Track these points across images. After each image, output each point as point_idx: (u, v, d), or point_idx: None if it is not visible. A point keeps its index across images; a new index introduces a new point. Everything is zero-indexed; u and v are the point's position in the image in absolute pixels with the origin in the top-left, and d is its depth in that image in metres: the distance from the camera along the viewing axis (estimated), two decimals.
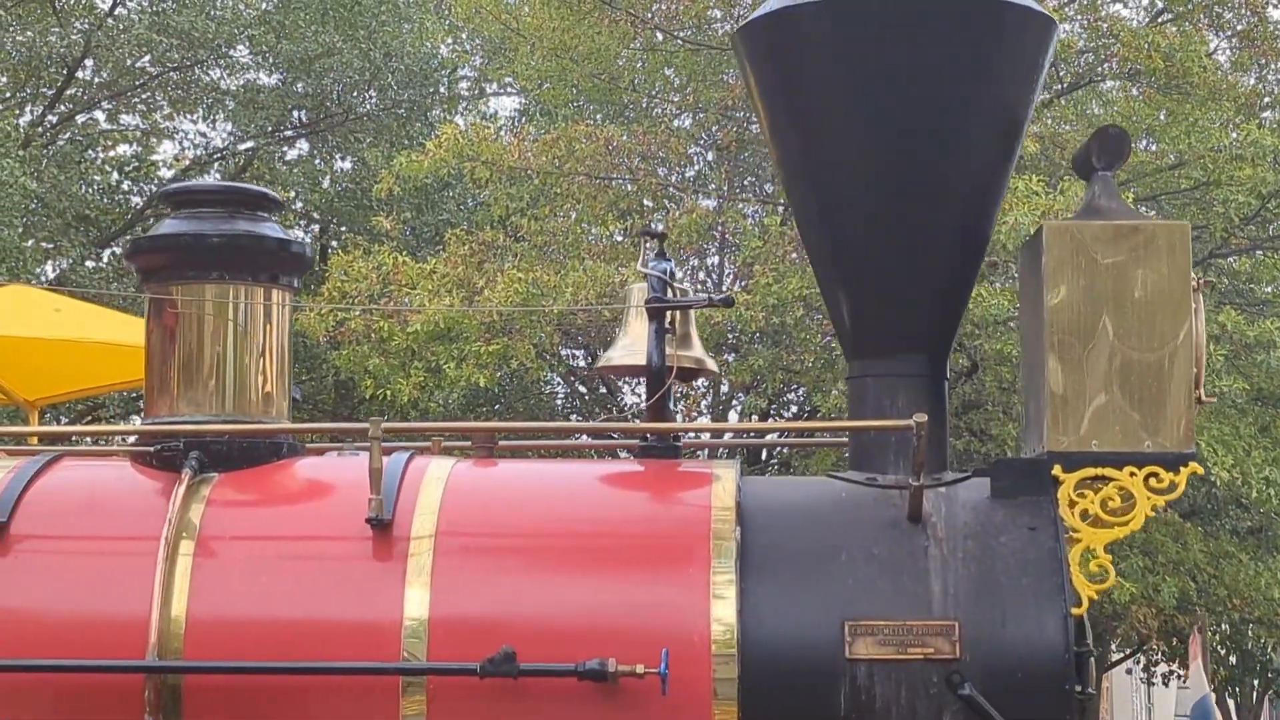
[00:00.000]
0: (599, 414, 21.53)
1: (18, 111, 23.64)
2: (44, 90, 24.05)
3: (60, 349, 11.16)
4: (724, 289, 19.46)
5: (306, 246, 6.76)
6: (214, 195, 6.67)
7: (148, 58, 23.67)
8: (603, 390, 22.12)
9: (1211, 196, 18.97)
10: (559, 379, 22.01)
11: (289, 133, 25.19)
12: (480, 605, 5.90)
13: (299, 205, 24.22)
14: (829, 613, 5.90)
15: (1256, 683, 33.60)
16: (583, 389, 22.51)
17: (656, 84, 22.14)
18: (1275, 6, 20.65)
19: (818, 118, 6.24)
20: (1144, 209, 18.66)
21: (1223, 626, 22.95)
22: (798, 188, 6.46)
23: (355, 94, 24.15)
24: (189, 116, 25.24)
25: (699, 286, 18.87)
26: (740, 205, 20.19)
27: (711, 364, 6.86)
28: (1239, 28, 20.60)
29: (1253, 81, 21.20)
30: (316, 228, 24.75)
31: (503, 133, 21.32)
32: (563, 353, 20.57)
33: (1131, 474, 5.96)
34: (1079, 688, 5.91)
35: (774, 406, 20.78)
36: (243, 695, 5.87)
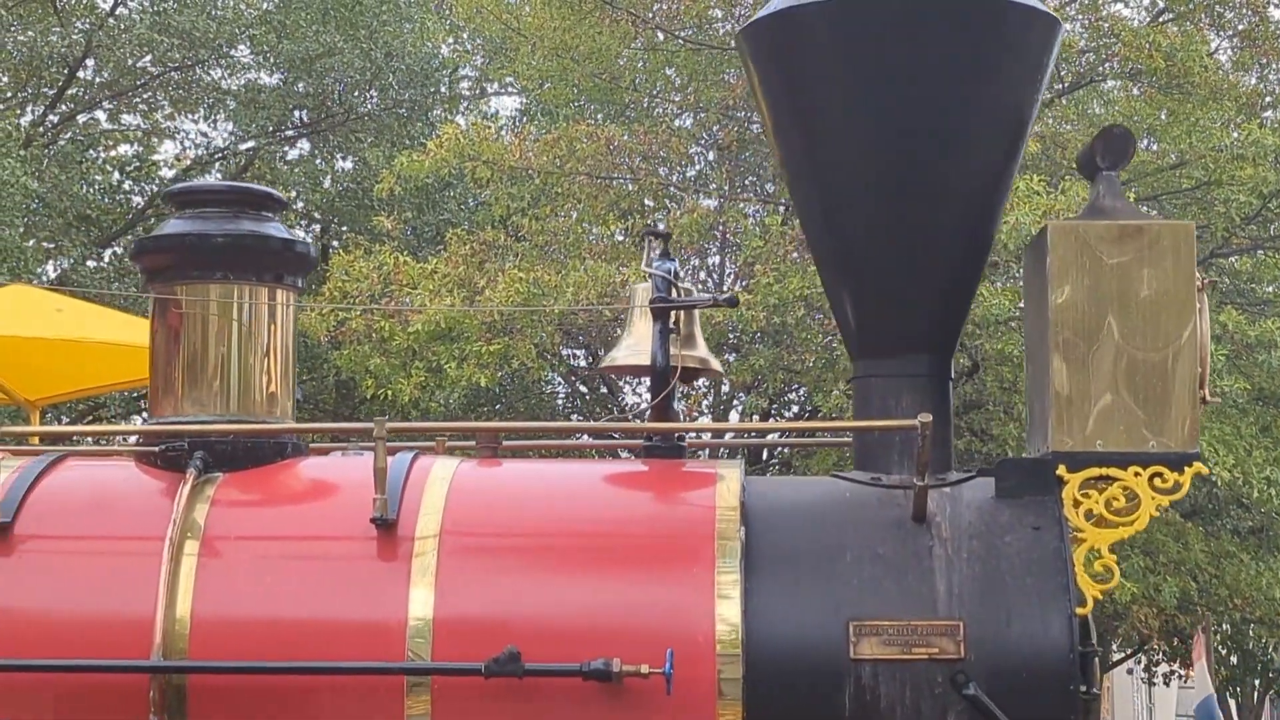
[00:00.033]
0: (600, 414, 21.53)
1: (19, 111, 23.65)
2: (45, 90, 24.05)
3: (61, 349, 11.17)
4: (725, 289, 19.47)
5: (311, 246, 6.76)
6: (218, 195, 6.67)
7: (149, 57, 23.67)
8: (603, 390, 22.12)
9: (1212, 196, 18.99)
10: (560, 379, 22.02)
11: (290, 132, 25.20)
12: (485, 605, 5.89)
13: (300, 205, 24.21)
14: (834, 613, 5.90)
15: (1257, 683, 33.62)
16: (584, 389, 22.51)
17: (657, 84, 22.15)
18: (1276, 6, 20.67)
19: (822, 118, 6.24)
20: (1145, 209, 18.65)
21: (1224, 626, 22.96)
22: (802, 188, 6.46)
23: (356, 94, 24.16)
24: (190, 116, 25.28)
25: (700, 286, 18.85)
26: (741, 205, 20.19)
27: (716, 364, 6.86)
28: (1240, 27, 20.62)
29: (1254, 81, 21.21)
30: (318, 228, 24.76)
31: (504, 132, 21.33)
32: (564, 353, 20.58)
33: (1136, 474, 5.97)
34: (1084, 688, 5.91)
35: (775, 406, 20.77)
36: (248, 695, 5.86)
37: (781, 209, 19.67)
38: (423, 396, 18.00)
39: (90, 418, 22.28)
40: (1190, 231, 6.08)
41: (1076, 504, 5.96)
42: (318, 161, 25.29)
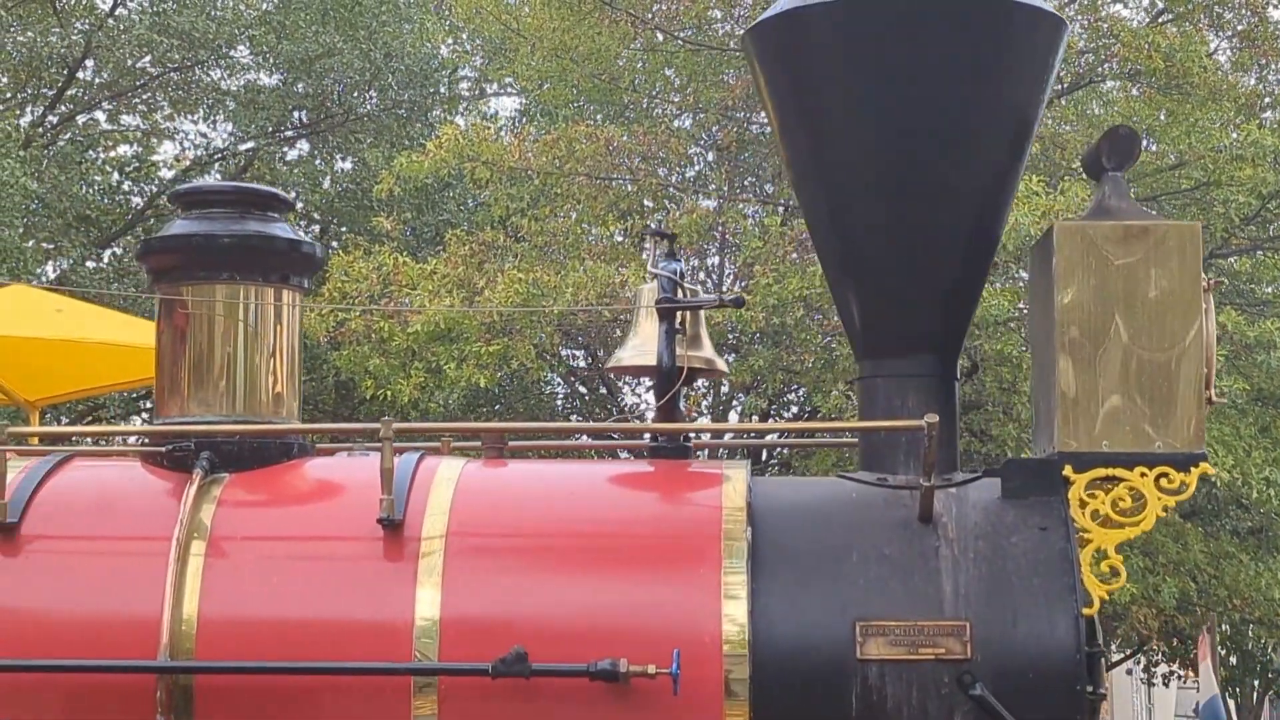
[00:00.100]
0: (599, 415, 21.52)
1: (18, 112, 23.62)
2: (44, 91, 24.02)
3: (61, 349, 11.16)
4: (724, 289, 19.46)
5: (317, 247, 6.76)
6: (224, 196, 6.68)
7: (148, 58, 23.64)
8: (603, 390, 22.11)
9: (1212, 197, 18.99)
10: (559, 379, 22.00)
11: (289, 133, 25.18)
12: (492, 605, 5.90)
13: (300, 206, 24.17)
14: (840, 613, 5.91)
15: (1257, 683, 33.67)
16: (583, 389, 22.50)
17: (657, 84, 22.13)
18: (1276, 7, 20.66)
19: (828, 118, 6.25)
20: (1143, 209, 18.64)
21: (1223, 627, 22.95)
22: (807, 188, 6.47)
23: (356, 94, 24.13)
24: (189, 117, 25.24)
25: (699, 287, 18.86)
26: (740, 205, 20.17)
27: (721, 364, 6.87)
28: (1239, 28, 20.62)
29: (1253, 82, 21.21)
30: (317, 228, 24.73)
31: (503, 133, 21.31)
32: (563, 353, 20.55)
33: (1142, 474, 5.98)
34: (1090, 688, 5.92)
35: (774, 407, 20.76)
36: (255, 695, 5.87)
37: (781, 210, 19.67)
38: (422, 397, 17.99)
39: (90, 418, 22.27)
40: (1196, 232, 6.09)
41: (1083, 504, 5.97)
42: (317, 162, 25.27)
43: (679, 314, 6.55)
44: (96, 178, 24.23)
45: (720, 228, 19.73)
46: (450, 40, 25.90)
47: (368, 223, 21.15)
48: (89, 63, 23.71)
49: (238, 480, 6.33)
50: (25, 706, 5.92)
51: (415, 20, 23.90)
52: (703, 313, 6.70)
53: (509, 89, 25.94)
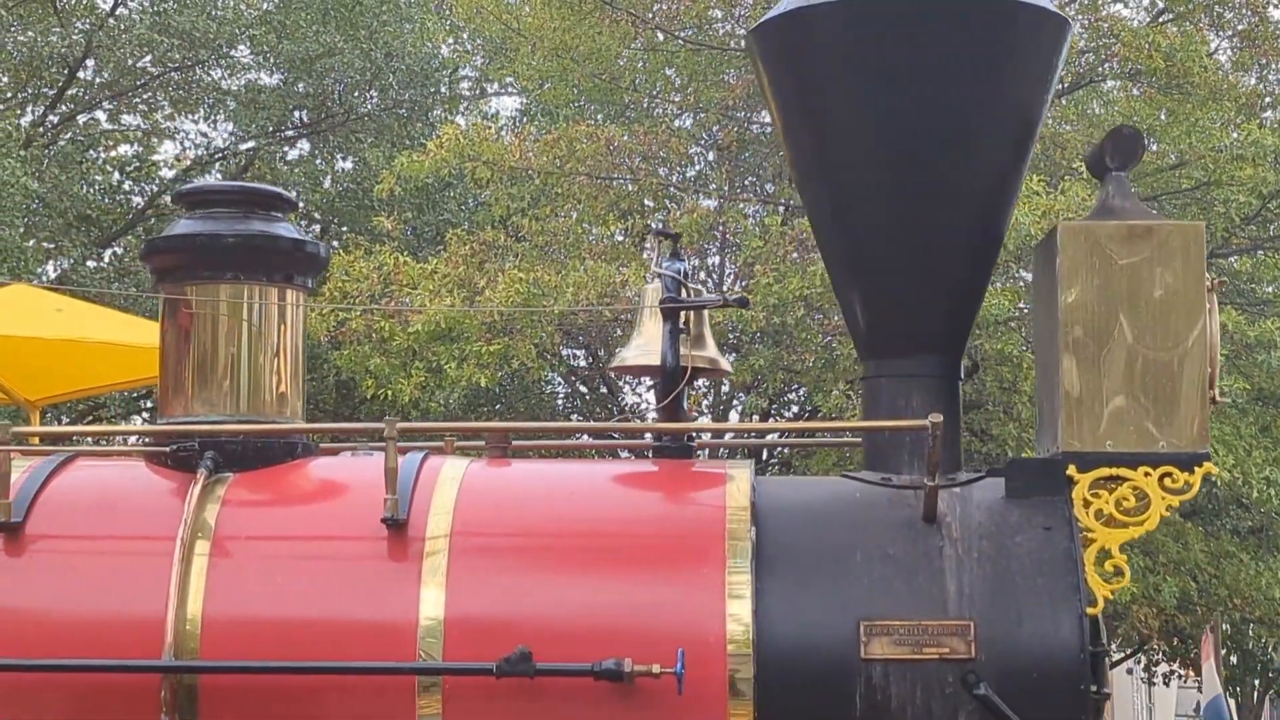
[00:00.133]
0: (600, 414, 21.53)
1: (19, 111, 23.61)
2: (45, 90, 24.01)
3: (61, 349, 11.15)
4: (725, 289, 19.47)
5: (321, 246, 6.76)
6: (228, 195, 6.68)
7: (149, 58, 23.63)
8: (604, 390, 22.12)
9: (1212, 196, 19.00)
10: (560, 379, 22.01)
11: (290, 133, 25.17)
12: (496, 605, 5.90)
13: (300, 205, 24.16)
14: (844, 612, 5.91)
15: (1257, 682, 33.66)
16: (584, 389, 22.51)
17: (657, 84, 22.13)
18: (1276, 6, 20.67)
19: (832, 118, 6.25)
20: (1147, 209, 18.65)
21: (1224, 627, 22.94)
22: (811, 188, 6.47)
23: (356, 94, 24.13)
24: (190, 116, 25.23)
25: (701, 287, 18.86)
26: (741, 205, 20.18)
27: (725, 364, 6.88)
28: (1240, 27, 20.63)
29: (1253, 81, 21.22)
30: (317, 228, 24.72)
31: (504, 133, 21.31)
32: (564, 353, 20.55)
33: (1146, 474, 5.98)
34: (1094, 687, 5.92)
35: (774, 406, 20.77)
36: (259, 695, 5.87)
37: (781, 209, 19.67)
38: (423, 397, 17.99)
39: (90, 418, 22.26)
40: (1200, 232, 6.10)
41: (1086, 504, 5.97)
42: (318, 162, 25.26)
43: (683, 314, 6.55)
44: (97, 177, 24.22)
45: (721, 227, 19.74)
46: (451, 40, 25.89)
47: (368, 222, 21.14)
48: (90, 62, 23.70)
49: (242, 480, 6.33)
50: (30, 706, 5.92)
51: (416, 20, 23.90)
52: (706, 312, 6.70)
53: (509, 89, 25.95)
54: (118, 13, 23.74)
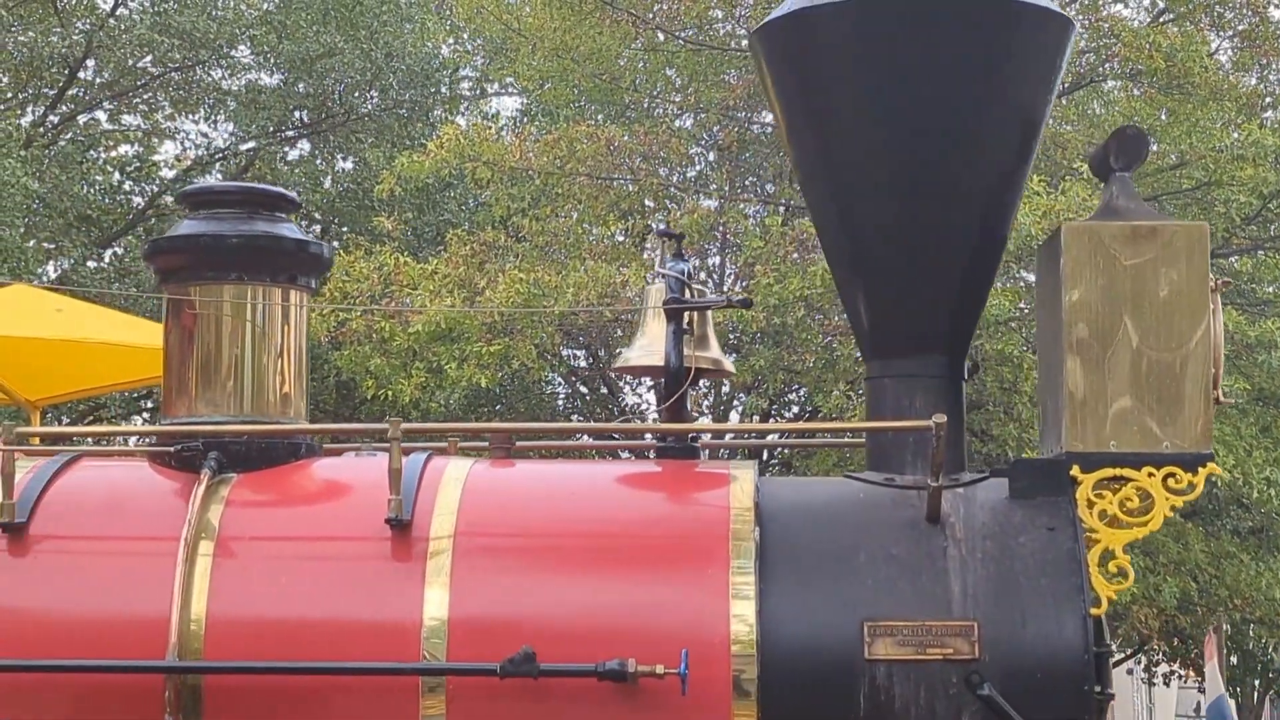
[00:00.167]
0: (601, 415, 21.53)
1: (19, 112, 23.61)
2: (46, 90, 24.01)
3: (61, 349, 11.16)
4: (725, 289, 19.47)
5: (325, 247, 6.76)
6: (232, 196, 6.68)
7: (149, 58, 23.64)
8: (604, 390, 22.12)
9: (1213, 197, 19.01)
10: (560, 379, 22.01)
11: (290, 133, 25.17)
12: (500, 606, 5.90)
13: (300, 205, 24.10)
14: (848, 613, 5.91)
15: (1257, 683, 33.68)
16: (584, 389, 22.51)
17: (658, 84, 22.14)
18: (1276, 6, 20.68)
19: (836, 118, 6.25)
20: (1151, 209, 18.65)
21: (1224, 627, 22.96)
22: (815, 188, 6.47)
23: (357, 94, 24.13)
24: (190, 117, 25.23)
25: (705, 288, 18.86)
26: (741, 205, 20.19)
27: (729, 365, 6.88)
28: (1240, 28, 20.64)
29: (1254, 81, 21.24)
30: (318, 228, 24.72)
31: (504, 133, 21.32)
32: (564, 353, 20.56)
33: (1150, 474, 5.98)
34: (1098, 688, 5.92)
35: (775, 407, 20.77)
36: (263, 695, 5.87)
37: (782, 209, 19.67)
38: (423, 397, 18.00)
39: (91, 418, 22.27)
40: (1205, 232, 6.10)
41: (1090, 504, 5.97)
42: (318, 162, 25.26)
43: (686, 314, 6.55)
44: (97, 177, 24.22)
45: (721, 228, 19.74)
46: (451, 40, 25.90)
47: (369, 223, 21.15)
48: (90, 62, 23.71)
49: (245, 480, 6.33)
50: (34, 706, 5.92)
51: (416, 20, 23.91)
52: (710, 313, 6.70)
53: (510, 89, 25.95)
54: (118, 13, 23.75)
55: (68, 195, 22.48)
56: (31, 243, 21.99)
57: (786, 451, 19.68)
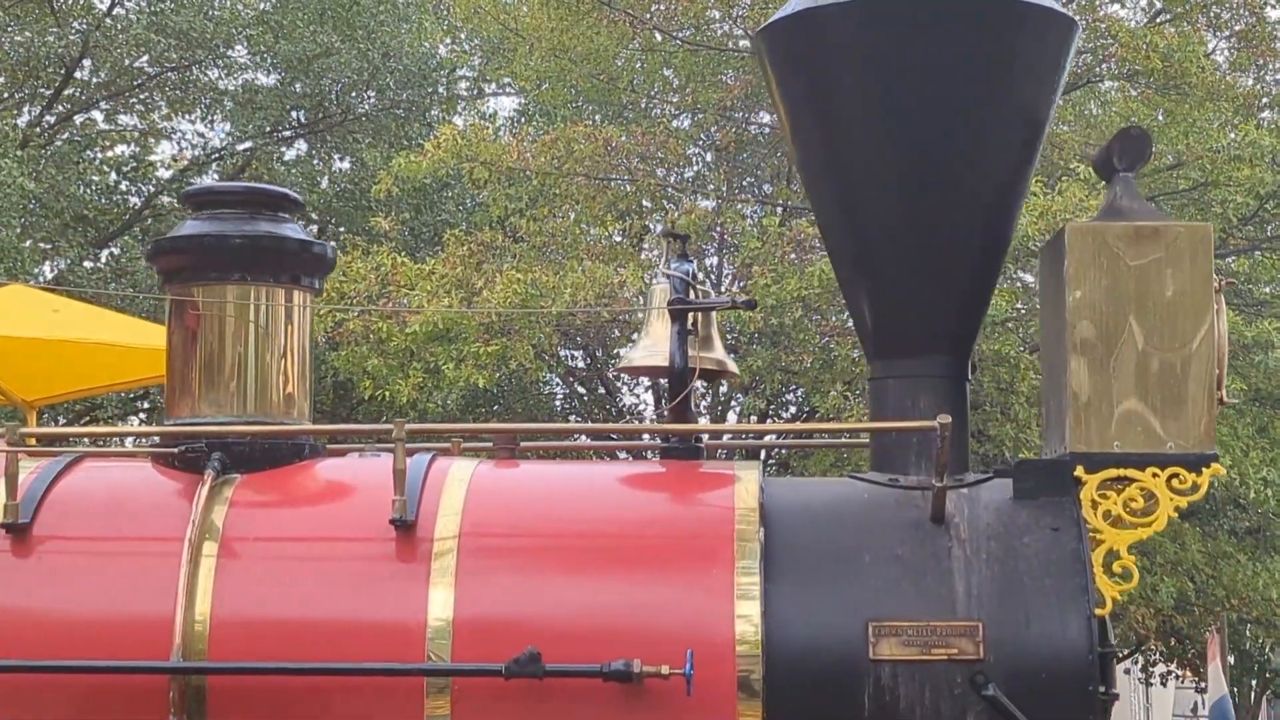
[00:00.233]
0: (599, 415, 21.52)
1: (15, 112, 23.57)
2: (42, 90, 23.97)
3: (58, 349, 11.14)
4: (722, 290, 19.47)
5: (328, 247, 6.76)
6: (235, 196, 6.67)
7: (146, 58, 23.61)
8: (601, 391, 22.12)
9: (1209, 197, 19.04)
10: (558, 380, 22.00)
11: (287, 133, 25.14)
12: (505, 606, 5.90)
13: None
14: (853, 613, 5.91)
15: (1254, 683, 33.73)
16: (582, 390, 22.51)
17: (655, 84, 22.15)
18: (1273, 7, 20.71)
19: (840, 119, 6.25)
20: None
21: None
22: (820, 189, 6.47)
23: (354, 94, 24.11)
24: (187, 117, 25.20)
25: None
26: (739, 206, 20.19)
27: (733, 365, 6.88)
28: (1237, 28, 20.68)
29: (1251, 82, 21.27)
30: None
31: (501, 133, 21.33)
32: (561, 353, 20.56)
33: (1154, 475, 5.99)
34: (1102, 688, 5.92)
35: (772, 407, 20.78)
36: (267, 696, 5.86)
37: (779, 210, 19.68)
38: (420, 398, 17.98)
39: (87, 418, 22.25)
40: (1208, 233, 6.10)
41: (1094, 505, 5.98)
42: (315, 162, 25.24)
43: (690, 315, 6.54)
44: (94, 177, 24.19)
45: (719, 228, 19.74)
46: (448, 40, 25.90)
47: (366, 223, 21.13)
48: (86, 62, 23.68)
49: (249, 481, 6.32)
50: (38, 707, 5.92)
51: (413, 20, 23.89)
52: (714, 314, 6.70)
53: (507, 89, 25.95)
54: (114, 13, 23.72)
55: (64, 195, 22.45)
56: (28, 243, 21.98)
57: (784, 452, 19.68)
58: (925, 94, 6.07)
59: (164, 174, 25.17)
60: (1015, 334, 17.37)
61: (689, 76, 21.20)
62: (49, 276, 22.52)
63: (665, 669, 5.69)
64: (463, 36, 25.79)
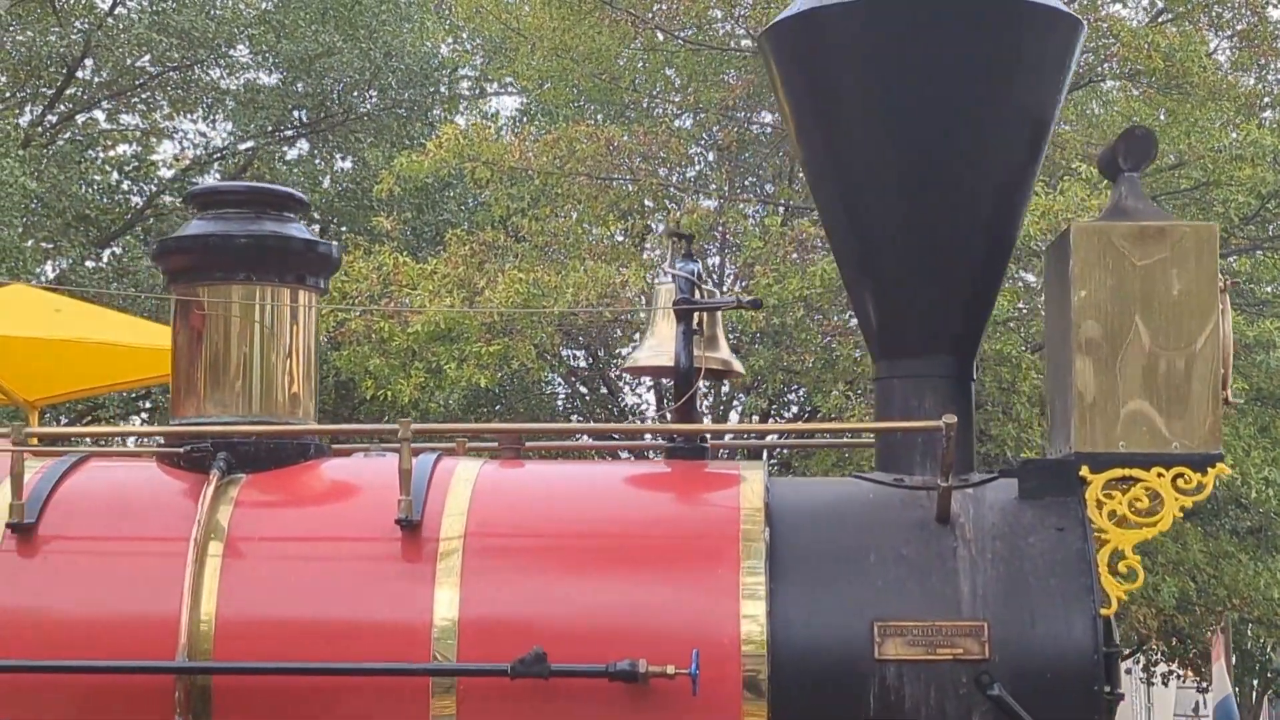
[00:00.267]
0: (600, 415, 21.52)
1: (18, 111, 23.58)
2: (44, 90, 23.97)
3: (59, 349, 11.13)
4: (724, 290, 19.46)
5: (333, 247, 6.76)
6: (240, 196, 6.67)
7: (147, 57, 23.62)
8: (603, 391, 22.12)
9: (1211, 196, 19.02)
10: (560, 379, 22.00)
11: (289, 132, 25.13)
12: (510, 606, 5.90)
13: None
14: (858, 613, 5.91)
15: (1256, 682, 33.73)
16: (583, 389, 22.50)
17: (657, 84, 22.15)
18: (1275, 6, 20.71)
19: (845, 118, 6.25)
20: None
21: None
22: (824, 189, 6.47)
23: (355, 94, 24.10)
24: (189, 116, 25.21)
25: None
26: (741, 206, 20.19)
27: (738, 365, 6.88)
28: (1239, 27, 20.66)
29: (1252, 81, 21.25)
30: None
31: (503, 133, 21.32)
32: (563, 353, 20.55)
33: (1159, 475, 5.99)
34: (1107, 688, 5.93)
35: (774, 407, 20.77)
36: (272, 696, 5.87)
37: (781, 210, 19.67)
38: (422, 397, 17.97)
39: (89, 418, 22.25)
40: (1214, 233, 6.10)
41: (1100, 505, 5.98)
42: (317, 161, 25.23)
43: (696, 315, 6.54)
44: (96, 177, 24.19)
45: (721, 228, 19.73)
46: (450, 39, 25.89)
47: (368, 222, 21.12)
48: (88, 62, 23.68)
49: (254, 481, 6.33)
50: (44, 707, 5.92)
51: (415, 19, 23.89)
52: (720, 314, 6.70)
53: (509, 88, 25.94)
54: (116, 12, 23.72)
55: (66, 195, 22.45)
56: (30, 242, 21.98)
57: (786, 452, 19.68)
58: (929, 94, 6.07)
59: (166, 173, 25.18)
60: (1016, 333, 17.36)
61: (691, 76, 21.19)
62: (51, 276, 22.53)
63: (671, 669, 5.70)
64: (464, 36, 25.78)
